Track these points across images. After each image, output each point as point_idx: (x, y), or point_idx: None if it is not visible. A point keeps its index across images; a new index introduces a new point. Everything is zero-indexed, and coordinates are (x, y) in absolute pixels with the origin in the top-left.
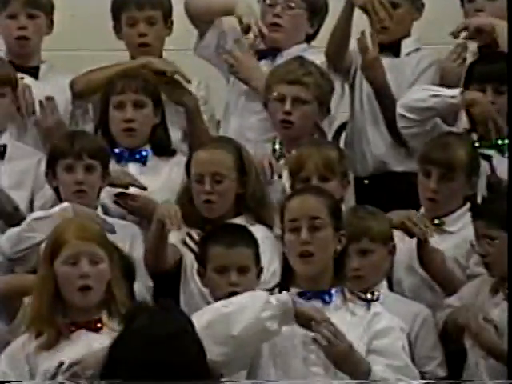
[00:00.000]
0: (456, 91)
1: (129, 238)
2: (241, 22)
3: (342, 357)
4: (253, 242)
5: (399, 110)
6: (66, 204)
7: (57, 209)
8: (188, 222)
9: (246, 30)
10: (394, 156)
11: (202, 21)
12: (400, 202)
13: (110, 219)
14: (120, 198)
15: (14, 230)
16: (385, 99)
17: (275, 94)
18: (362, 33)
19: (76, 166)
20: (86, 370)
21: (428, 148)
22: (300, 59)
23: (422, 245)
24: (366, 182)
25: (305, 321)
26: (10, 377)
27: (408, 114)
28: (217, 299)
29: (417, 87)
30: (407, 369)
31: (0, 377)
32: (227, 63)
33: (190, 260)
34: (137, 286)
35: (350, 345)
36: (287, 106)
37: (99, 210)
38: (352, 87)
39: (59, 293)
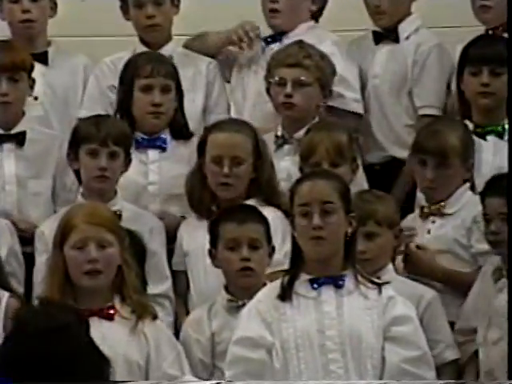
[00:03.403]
0: None
1: (147, 231)
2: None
3: None
4: (263, 220)
5: None
6: None
7: None
8: (198, 203)
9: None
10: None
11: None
12: (412, 188)
13: (129, 207)
14: None
15: None
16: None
17: (276, 78)
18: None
19: (100, 151)
20: None
21: (420, 137)
22: (300, 43)
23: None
24: (377, 167)
25: None
26: None
27: None
28: (230, 278)
29: None
30: (426, 357)
31: None
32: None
33: (194, 257)
34: (164, 286)
35: None
36: (288, 89)
37: (118, 196)
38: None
39: (70, 278)
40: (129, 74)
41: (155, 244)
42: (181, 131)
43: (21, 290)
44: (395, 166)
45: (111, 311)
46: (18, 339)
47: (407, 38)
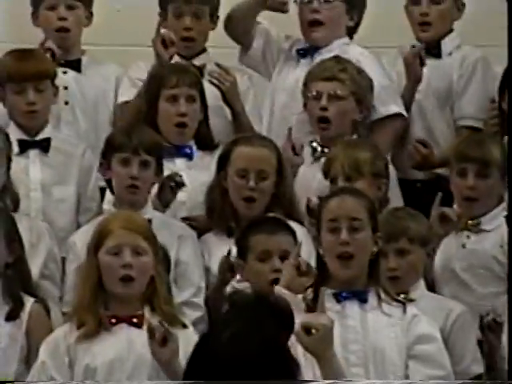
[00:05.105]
0: None
1: (176, 239)
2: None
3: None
4: (292, 232)
5: None
6: None
7: None
8: (218, 218)
9: None
10: None
11: (244, 30)
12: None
13: (159, 215)
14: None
15: None
16: None
17: (313, 92)
18: None
19: (132, 160)
20: None
21: (463, 146)
22: (336, 57)
23: None
24: (419, 185)
25: None
26: (49, 367)
27: None
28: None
29: None
30: (449, 378)
31: (39, 366)
32: None
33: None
34: (188, 292)
35: None
36: (323, 102)
37: (149, 205)
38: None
39: (102, 284)
40: (154, 86)
41: (183, 253)
42: (206, 142)
43: (57, 293)
44: (438, 182)
45: (140, 319)
46: (214, 341)
47: (450, 53)
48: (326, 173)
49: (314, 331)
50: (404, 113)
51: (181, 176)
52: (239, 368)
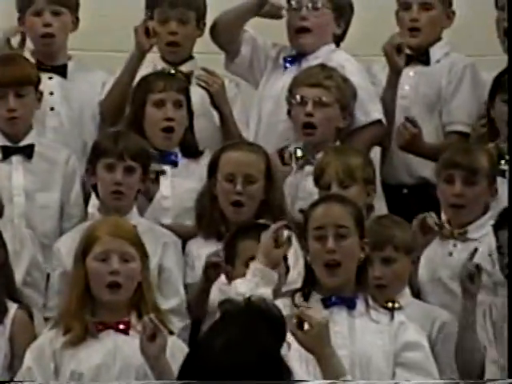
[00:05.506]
0: None
1: (161, 246)
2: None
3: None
4: None
5: None
6: None
7: None
8: (207, 225)
9: None
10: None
11: (231, 38)
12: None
13: (143, 221)
14: None
15: None
16: None
17: (297, 98)
18: None
19: (117, 166)
20: None
21: (451, 153)
22: (321, 65)
23: None
24: (405, 191)
25: None
26: (34, 373)
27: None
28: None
29: None
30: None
31: (24, 372)
32: None
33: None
34: (174, 301)
35: None
36: (309, 108)
37: (134, 211)
38: None
39: (89, 290)
40: (141, 91)
41: (167, 259)
42: (191, 150)
43: (40, 301)
44: (425, 188)
45: (127, 326)
46: (207, 349)
47: (438, 61)
48: (318, 180)
49: (306, 326)
50: (383, 119)
51: (160, 165)
52: (232, 376)
